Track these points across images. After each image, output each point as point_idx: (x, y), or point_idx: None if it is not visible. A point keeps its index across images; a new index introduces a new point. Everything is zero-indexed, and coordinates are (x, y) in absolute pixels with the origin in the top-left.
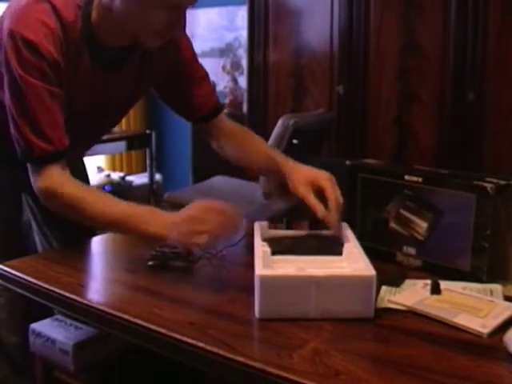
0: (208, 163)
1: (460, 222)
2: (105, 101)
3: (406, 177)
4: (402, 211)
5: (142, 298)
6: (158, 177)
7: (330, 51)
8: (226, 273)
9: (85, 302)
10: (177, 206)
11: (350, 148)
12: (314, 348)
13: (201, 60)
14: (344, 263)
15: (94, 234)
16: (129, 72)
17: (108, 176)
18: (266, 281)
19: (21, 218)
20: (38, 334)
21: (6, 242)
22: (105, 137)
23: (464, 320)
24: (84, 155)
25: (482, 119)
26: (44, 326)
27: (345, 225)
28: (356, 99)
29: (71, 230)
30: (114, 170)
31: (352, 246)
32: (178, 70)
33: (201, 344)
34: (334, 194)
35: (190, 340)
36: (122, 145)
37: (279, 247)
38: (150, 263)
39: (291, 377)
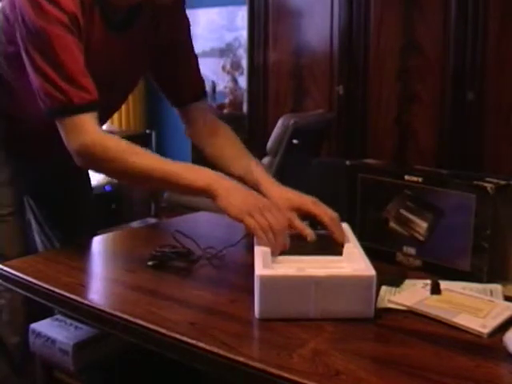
0: (208, 163)
1: (460, 222)
2: (113, 68)
3: (406, 177)
4: (401, 211)
5: (142, 298)
6: None
7: (329, 51)
8: (226, 273)
9: (85, 302)
10: (177, 205)
11: (350, 148)
12: (313, 348)
13: (201, 60)
14: (344, 263)
15: (95, 234)
16: (137, 34)
17: None
18: (266, 281)
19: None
20: (38, 334)
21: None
22: None
23: (464, 320)
24: None
25: (482, 119)
26: (44, 326)
27: (345, 225)
28: (356, 99)
29: (73, 229)
30: None
31: (352, 246)
32: (176, 45)
33: (201, 344)
34: (326, 215)
35: (190, 340)
36: None
37: None
38: (150, 263)
39: (291, 377)
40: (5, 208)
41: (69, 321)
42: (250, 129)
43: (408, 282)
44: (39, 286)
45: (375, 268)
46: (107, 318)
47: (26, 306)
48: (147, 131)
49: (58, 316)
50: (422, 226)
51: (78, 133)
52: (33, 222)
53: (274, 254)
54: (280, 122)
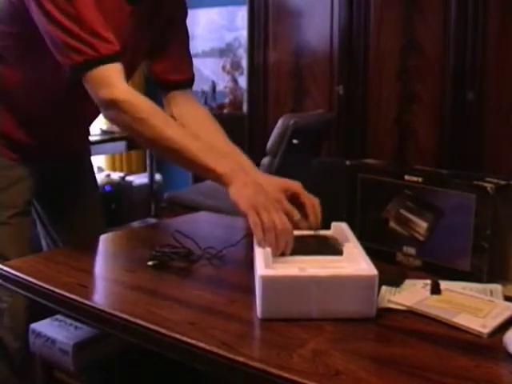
0: None
1: (460, 222)
2: (121, 42)
3: (406, 177)
4: (401, 211)
5: (142, 297)
6: (158, 177)
7: (329, 51)
8: (226, 273)
9: (85, 302)
10: (177, 205)
11: (350, 148)
12: (313, 348)
13: (201, 60)
14: (344, 263)
15: (101, 233)
16: (145, 10)
17: (108, 176)
18: (268, 281)
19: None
20: (38, 334)
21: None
22: (105, 137)
23: (464, 320)
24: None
25: (482, 119)
26: (44, 326)
27: (344, 225)
28: (356, 99)
29: (79, 230)
30: (114, 170)
31: (352, 246)
32: (171, 27)
33: (201, 344)
34: (309, 199)
35: (190, 340)
36: (121, 145)
37: None
38: (150, 263)
39: (291, 377)
40: (8, 210)
41: (69, 321)
42: (250, 129)
43: (408, 282)
44: (39, 286)
45: (375, 268)
46: (107, 317)
47: (28, 311)
48: None
49: (58, 316)
50: (421, 226)
51: (107, 85)
52: (38, 225)
53: (274, 254)
54: (280, 122)
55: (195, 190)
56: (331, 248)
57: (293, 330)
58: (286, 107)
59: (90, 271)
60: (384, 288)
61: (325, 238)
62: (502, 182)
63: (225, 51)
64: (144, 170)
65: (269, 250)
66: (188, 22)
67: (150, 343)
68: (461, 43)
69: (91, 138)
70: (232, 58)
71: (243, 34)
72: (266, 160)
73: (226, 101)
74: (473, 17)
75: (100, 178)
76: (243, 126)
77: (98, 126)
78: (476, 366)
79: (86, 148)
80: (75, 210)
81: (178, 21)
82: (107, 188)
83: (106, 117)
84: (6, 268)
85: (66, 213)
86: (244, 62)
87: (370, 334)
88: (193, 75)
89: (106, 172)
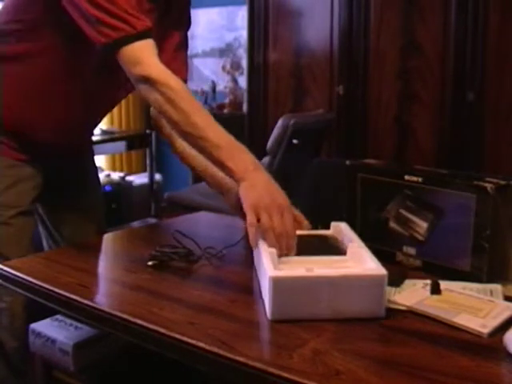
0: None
1: (460, 222)
2: None
3: (406, 177)
4: (401, 211)
5: (142, 297)
6: (158, 177)
7: (329, 51)
8: (226, 273)
9: (85, 301)
10: (177, 206)
11: (350, 148)
12: (314, 348)
13: (201, 60)
14: (350, 263)
15: (102, 233)
16: (160, 7)
17: (108, 176)
18: (279, 282)
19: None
20: (38, 334)
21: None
22: (105, 137)
23: (464, 320)
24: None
25: (482, 119)
26: (44, 326)
27: (344, 225)
28: (356, 99)
29: (80, 229)
30: (114, 170)
31: (357, 245)
32: (174, 31)
33: (201, 344)
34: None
35: (190, 340)
36: (121, 145)
37: None
38: (150, 263)
39: (291, 377)
40: (11, 210)
41: (69, 321)
42: (250, 129)
43: (408, 282)
44: (39, 286)
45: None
46: (107, 317)
47: (27, 311)
48: (147, 131)
49: (58, 316)
50: (421, 226)
51: (141, 62)
52: (40, 226)
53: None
54: (280, 122)
55: (195, 190)
56: (333, 248)
57: (293, 329)
58: (286, 107)
59: (90, 271)
60: None
61: (325, 237)
62: (502, 182)
63: (225, 51)
64: (144, 170)
65: (274, 251)
66: None
67: (150, 343)
68: (461, 43)
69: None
70: (232, 58)
71: (243, 34)
72: (265, 160)
73: (226, 101)
74: (473, 17)
75: (100, 177)
76: (243, 125)
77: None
78: (476, 366)
79: (90, 146)
80: (78, 209)
81: (182, 25)
82: (107, 188)
83: (137, 91)
84: (5, 268)
85: (69, 213)
86: (244, 62)
87: (370, 333)
88: (185, 79)
89: (106, 172)
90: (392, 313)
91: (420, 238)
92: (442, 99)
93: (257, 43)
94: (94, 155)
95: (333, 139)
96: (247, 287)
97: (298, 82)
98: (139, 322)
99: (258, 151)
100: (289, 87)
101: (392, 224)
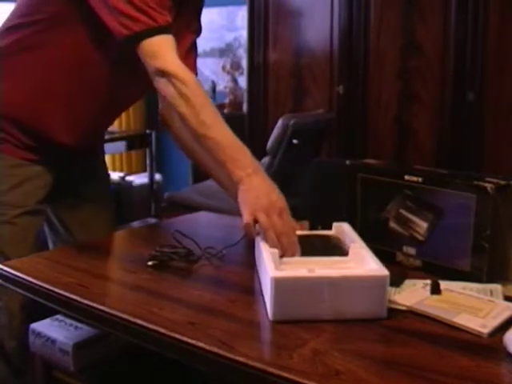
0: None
1: (460, 222)
2: None
3: (406, 177)
4: (401, 211)
5: (142, 297)
6: (158, 177)
7: (329, 51)
8: (226, 273)
9: (85, 301)
10: (177, 205)
11: (350, 148)
12: (314, 348)
13: (201, 60)
14: (351, 263)
15: (112, 231)
16: (176, 5)
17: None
18: (280, 282)
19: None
20: (38, 334)
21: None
22: (105, 136)
23: (464, 320)
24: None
25: (482, 119)
26: (44, 326)
27: (346, 225)
28: (356, 99)
29: (91, 228)
30: (114, 170)
31: (358, 246)
32: (185, 32)
33: (201, 344)
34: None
35: (190, 340)
36: (121, 145)
37: None
38: (150, 263)
39: (291, 377)
40: (15, 209)
41: (69, 321)
42: (250, 129)
43: (408, 282)
44: (39, 286)
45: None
46: (107, 317)
47: (24, 311)
48: (147, 131)
49: (58, 316)
50: (421, 226)
51: (160, 56)
52: (46, 229)
53: (279, 255)
54: (280, 122)
55: (195, 190)
56: (335, 248)
57: (293, 329)
58: (286, 107)
59: (90, 271)
60: None
61: (327, 237)
62: (502, 182)
63: (225, 51)
64: (144, 170)
65: (276, 251)
66: None
67: (150, 343)
68: (461, 43)
69: None
70: (232, 58)
71: (243, 34)
72: (265, 160)
73: (226, 101)
74: (473, 17)
75: None
76: (243, 125)
77: None
78: (476, 366)
79: (101, 145)
80: (89, 208)
81: (193, 29)
82: None
83: (154, 84)
84: (5, 268)
85: (80, 211)
86: (244, 62)
87: (370, 334)
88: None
89: None
90: (392, 313)
91: (420, 237)
92: (442, 99)
93: (257, 43)
94: (104, 154)
95: (333, 139)
96: (247, 287)
97: (298, 82)
98: (139, 321)
99: (258, 151)
100: (289, 87)
101: (392, 224)
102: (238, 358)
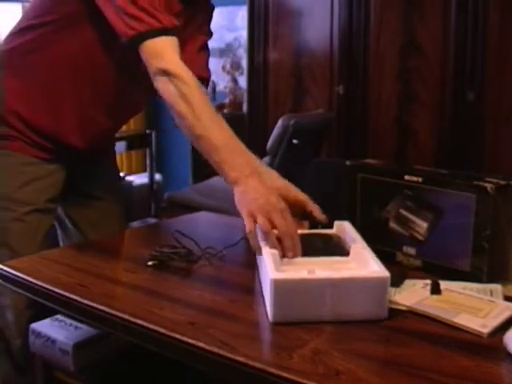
0: (208, 163)
1: (460, 222)
2: None
3: (406, 177)
4: (401, 211)
5: (142, 297)
6: (158, 177)
7: (330, 51)
8: (226, 273)
9: (85, 301)
10: (177, 205)
11: (350, 148)
12: (314, 348)
13: None
14: (352, 264)
15: (123, 228)
16: (187, 11)
17: None
18: (280, 285)
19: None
20: (38, 334)
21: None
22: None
23: (464, 320)
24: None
25: (482, 119)
26: (44, 326)
27: (347, 224)
28: (356, 99)
29: (102, 226)
30: None
31: (360, 246)
32: (199, 29)
33: (201, 344)
34: (302, 197)
35: (190, 340)
36: (121, 145)
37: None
38: (150, 263)
39: (291, 377)
40: (25, 206)
41: (69, 321)
42: (250, 129)
43: (408, 282)
44: (39, 286)
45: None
46: (107, 317)
47: (31, 309)
48: (147, 131)
49: (58, 316)
50: (422, 226)
51: (161, 56)
52: (58, 228)
53: (281, 256)
54: (280, 122)
55: (195, 190)
56: (336, 248)
57: (293, 330)
58: (286, 107)
59: (90, 271)
60: None
61: (329, 236)
62: (502, 182)
63: (225, 51)
64: (144, 170)
65: (276, 252)
66: None
67: (150, 343)
68: (461, 43)
69: None
70: (232, 58)
71: (243, 34)
72: (266, 160)
73: (226, 101)
74: (473, 17)
75: None
76: (243, 125)
77: None
78: (476, 366)
79: (112, 146)
80: (99, 206)
81: (204, 32)
82: None
83: (155, 85)
84: (6, 268)
85: (90, 210)
86: (244, 62)
87: (370, 334)
88: (207, 78)
89: None
90: (392, 313)
91: (420, 237)
92: (441, 99)
93: (257, 43)
94: (115, 153)
95: (333, 139)
96: (247, 287)
97: (297, 82)
98: (139, 322)
99: (258, 151)
100: (289, 87)
101: (392, 224)
102: (238, 358)
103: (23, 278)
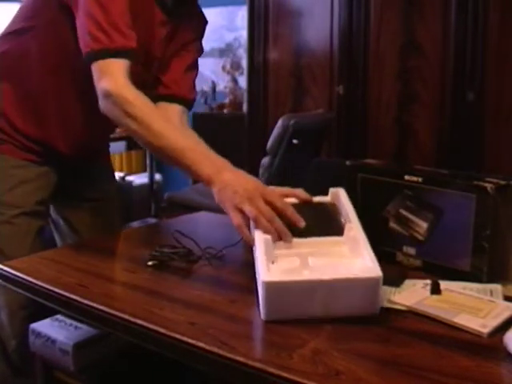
0: None
1: (460, 222)
2: (150, 49)
3: (406, 177)
4: (401, 211)
5: (142, 297)
6: (158, 177)
7: (329, 51)
8: (226, 273)
9: (85, 301)
10: (177, 205)
11: (350, 148)
12: (314, 348)
13: (201, 60)
14: (346, 248)
15: (119, 229)
16: (175, 23)
17: None
18: (272, 287)
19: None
20: (38, 334)
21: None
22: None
23: (464, 320)
24: None
25: (482, 119)
26: (44, 326)
27: (342, 191)
28: (356, 99)
29: (97, 227)
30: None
31: (354, 227)
32: (187, 46)
33: (201, 344)
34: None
35: (190, 340)
36: (122, 145)
37: None
38: (150, 263)
39: (291, 377)
40: (14, 209)
41: (69, 321)
42: (250, 129)
43: (408, 282)
44: (39, 286)
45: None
46: (107, 317)
47: (25, 310)
48: None
49: (58, 316)
50: (422, 226)
51: (108, 76)
52: (54, 231)
53: (274, 239)
54: (280, 122)
55: (195, 190)
56: (331, 223)
57: (293, 330)
58: (286, 107)
59: (90, 271)
60: (384, 288)
61: (324, 206)
62: (502, 182)
63: (225, 51)
64: (144, 170)
65: (269, 237)
66: None
67: (150, 343)
68: (461, 43)
69: None
70: (232, 58)
71: (243, 34)
72: (265, 160)
73: (226, 101)
74: (473, 17)
75: None
76: (243, 126)
77: None
78: (476, 366)
79: (106, 148)
80: (94, 209)
81: (194, 49)
82: None
83: (101, 107)
84: (5, 268)
85: (84, 211)
86: (244, 62)
87: (370, 334)
88: (192, 99)
89: None
90: (392, 313)
91: (420, 237)
92: (442, 99)
93: (257, 43)
94: (109, 154)
95: (333, 139)
96: (247, 287)
97: (297, 82)
98: (139, 322)
99: (258, 151)
100: (289, 87)
101: (392, 224)
102: (238, 358)
103: (23, 278)
